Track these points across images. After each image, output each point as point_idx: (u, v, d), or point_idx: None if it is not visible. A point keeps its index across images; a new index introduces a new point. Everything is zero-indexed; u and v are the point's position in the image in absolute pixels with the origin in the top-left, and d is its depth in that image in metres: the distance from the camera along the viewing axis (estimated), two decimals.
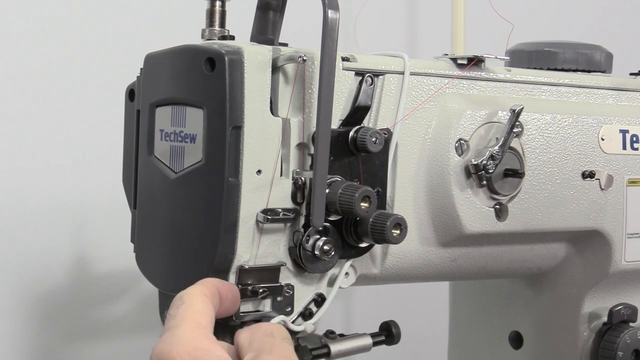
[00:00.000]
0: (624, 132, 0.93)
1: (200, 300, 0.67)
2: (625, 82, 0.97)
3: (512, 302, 1.00)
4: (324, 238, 0.75)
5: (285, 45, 0.78)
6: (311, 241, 0.75)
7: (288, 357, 0.66)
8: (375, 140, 0.76)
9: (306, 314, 0.78)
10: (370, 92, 0.79)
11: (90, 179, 1.17)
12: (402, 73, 0.81)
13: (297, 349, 0.77)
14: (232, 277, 0.73)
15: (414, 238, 0.82)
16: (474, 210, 0.83)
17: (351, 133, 0.77)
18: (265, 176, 0.73)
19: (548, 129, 0.88)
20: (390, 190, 0.80)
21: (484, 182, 0.83)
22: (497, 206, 0.85)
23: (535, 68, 0.96)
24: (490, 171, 0.82)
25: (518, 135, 0.85)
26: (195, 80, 0.73)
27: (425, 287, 1.10)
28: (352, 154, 0.77)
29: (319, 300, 0.78)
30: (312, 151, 0.75)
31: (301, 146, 0.75)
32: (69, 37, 1.16)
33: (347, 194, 0.73)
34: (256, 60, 0.73)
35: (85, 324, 1.18)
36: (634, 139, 0.94)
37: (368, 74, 0.79)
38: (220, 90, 0.71)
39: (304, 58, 0.74)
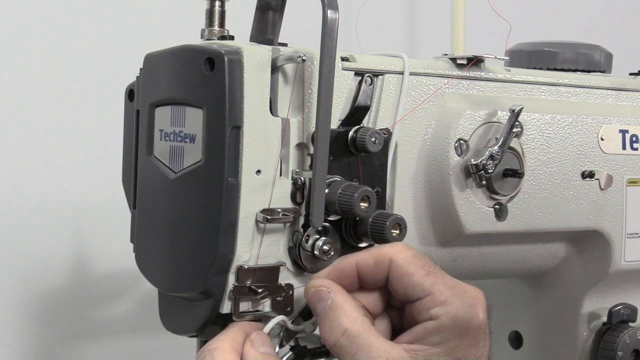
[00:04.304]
0: (623, 132, 0.93)
1: (231, 357, 0.68)
2: (625, 82, 0.97)
3: (512, 302, 1.00)
4: (323, 238, 0.75)
5: (285, 45, 0.78)
6: (311, 241, 0.75)
7: None
8: (375, 140, 0.76)
9: (306, 314, 0.78)
10: (369, 92, 0.79)
11: (90, 179, 1.17)
12: (402, 73, 0.81)
13: (297, 348, 0.77)
14: (232, 277, 0.73)
15: (413, 238, 0.82)
16: (473, 210, 0.83)
17: (350, 133, 0.77)
18: (265, 176, 0.73)
19: (547, 129, 0.88)
20: (389, 190, 0.80)
21: (484, 182, 0.83)
22: (497, 206, 0.85)
23: (534, 68, 0.96)
24: (489, 171, 0.82)
25: (517, 135, 0.85)
26: (195, 80, 0.73)
27: None
28: (351, 154, 0.77)
29: None
30: (311, 151, 0.75)
31: (300, 146, 0.75)
32: (69, 37, 1.16)
33: (347, 194, 0.73)
34: (255, 60, 0.73)
35: (85, 324, 1.18)
36: (634, 139, 0.94)
37: (367, 74, 0.79)
38: (220, 90, 0.71)
39: (303, 58, 0.74)
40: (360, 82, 0.78)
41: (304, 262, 0.75)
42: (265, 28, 0.81)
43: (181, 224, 0.75)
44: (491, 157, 0.82)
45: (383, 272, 0.69)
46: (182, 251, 0.75)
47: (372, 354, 0.66)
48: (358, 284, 0.71)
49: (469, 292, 0.69)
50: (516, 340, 0.99)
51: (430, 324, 0.67)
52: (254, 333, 0.72)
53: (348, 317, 0.68)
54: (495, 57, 0.86)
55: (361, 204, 0.73)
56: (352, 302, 0.69)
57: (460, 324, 0.67)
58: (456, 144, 0.83)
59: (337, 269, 0.71)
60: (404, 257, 0.69)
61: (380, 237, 0.76)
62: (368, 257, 0.70)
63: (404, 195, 0.82)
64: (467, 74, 0.85)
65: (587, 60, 0.97)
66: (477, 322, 0.67)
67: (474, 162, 0.82)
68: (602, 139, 0.91)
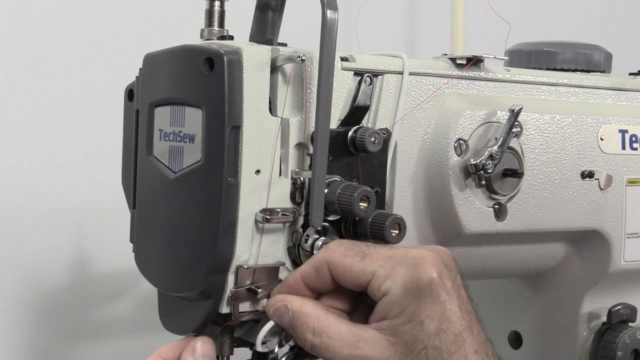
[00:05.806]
0: (623, 132, 0.93)
1: None
2: (625, 82, 0.97)
3: (511, 302, 1.00)
4: (322, 238, 0.75)
5: (285, 45, 0.78)
6: (310, 241, 0.75)
7: None
8: (374, 140, 0.76)
9: None
10: (369, 92, 0.79)
11: (90, 179, 1.17)
12: (401, 73, 0.81)
13: (296, 348, 0.77)
14: (231, 277, 0.73)
15: (412, 238, 0.82)
16: (473, 210, 0.83)
17: (350, 133, 0.77)
18: (264, 176, 0.73)
19: (547, 128, 0.88)
20: (389, 190, 0.80)
21: (483, 182, 0.83)
22: (496, 206, 0.85)
23: (534, 68, 0.96)
24: (489, 171, 0.82)
25: (517, 135, 0.85)
26: (194, 80, 0.73)
27: None
28: (351, 154, 0.77)
29: None
30: (311, 151, 0.75)
31: (300, 146, 0.75)
32: (69, 37, 1.16)
33: (346, 194, 0.73)
34: (255, 60, 0.73)
35: (85, 324, 1.18)
36: (633, 138, 0.94)
37: (367, 74, 0.79)
38: (219, 90, 0.71)
39: (303, 58, 0.74)
40: (359, 82, 0.79)
41: (303, 262, 0.75)
42: (265, 28, 0.81)
43: (181, 223, 0.75)
44: (491, 157, 0.82)
45: (327, 277, 0.71)
46: (182, 251, 0.75)
47: (344, 342, 0.68)
48: (312, 294, 0.72)
49: (409, 255, 0.69)
50: (516, 340, 0.99)
51: (385, 299, 0.69)
52: (199, 341, 0.73)
53: (310, 316, 0.70)
54: (495, 57, 0.86)
55: (360, 203, 0.73)
56: (309, 303, 0.71)
57: (409, 288, 0.68)
58: (456, 144, 0.83)
59: (286, 286, 0.73)
60: (337, 254, 0.71)
61: (379, 237, 0.76)
62: (309, 267, 0.72)
63: (404, 195, 0.82)
64: (467, 74, 0.86)
65: (587, 60, 0.97)
66: (425, 279, 0.68)
67: (474, 162, 0.82)
68: (602, 139, 0.91)
